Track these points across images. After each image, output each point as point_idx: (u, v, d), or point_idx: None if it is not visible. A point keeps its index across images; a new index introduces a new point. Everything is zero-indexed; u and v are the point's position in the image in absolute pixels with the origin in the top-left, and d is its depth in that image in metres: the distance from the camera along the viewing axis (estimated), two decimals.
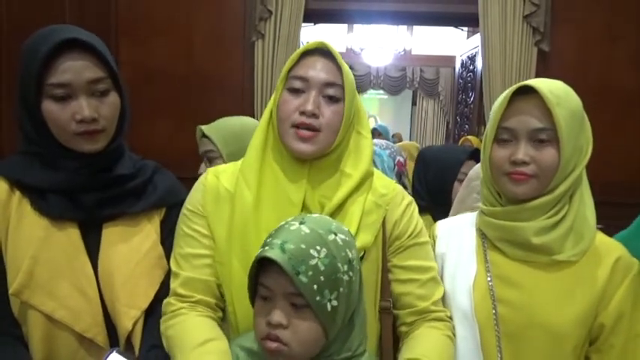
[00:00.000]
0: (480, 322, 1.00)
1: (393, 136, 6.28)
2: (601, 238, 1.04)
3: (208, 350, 0.87)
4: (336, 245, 0.81)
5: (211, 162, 1.52)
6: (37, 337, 0.97)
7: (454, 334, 1.01)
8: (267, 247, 0.80)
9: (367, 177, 1.03)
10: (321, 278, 0.78)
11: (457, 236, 1.12)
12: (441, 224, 1.18)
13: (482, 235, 1.09)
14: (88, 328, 0.99)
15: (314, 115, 0.95)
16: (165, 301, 1.00)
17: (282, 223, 0.85)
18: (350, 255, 0.83)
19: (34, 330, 0.98)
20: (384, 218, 1.03)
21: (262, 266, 0.81)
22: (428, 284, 1.03)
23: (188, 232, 1.01)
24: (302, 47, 1.00)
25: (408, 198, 1.08)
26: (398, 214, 1.04)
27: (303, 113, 0.95)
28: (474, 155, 1.87)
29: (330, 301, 0.79)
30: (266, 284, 0.81)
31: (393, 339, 1.05)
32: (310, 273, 0.77)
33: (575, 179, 0.99)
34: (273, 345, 0.79)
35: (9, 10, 2.26)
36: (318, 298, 0.78)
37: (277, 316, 0.79)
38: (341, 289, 0.81)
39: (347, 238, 0.85)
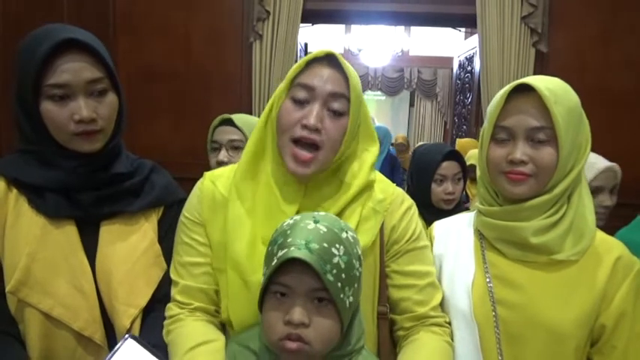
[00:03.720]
0: (479, 323, 0.99)
1: (398, 143, 5.56)
2: (601, 236, 1.02)
3: (200, 352, 0.87)
4: (349, 242, 0.82)
5: (236, 151, 1.58)
6: (35, 335, 0.97)
7: (452, 340, 1.01)
8: (292, 248, 0.77)
9: (367, 187, 1.00)
10: (343, 276, 0.79)
11: (455, 237, 1.12)
12: (439, 225, 1.18)
13: (480, 235, 1.08)
14: (85, 326, 0.98)
15: (316, 130, 0.91)
16: (167, 305, 1.01)
17: (292, 222, 0.82)
18: (359, 251, 0.85)
19: (31, 328, 0.97)
20: (382, 224, 1.01)
21: (281, 265, 0.79)
22: (426, 290, 1.02)
23: (186, 240, 1.01)
24: (309, 55, 0.96)
25: (408, 201, 1.06)
26: (396, 219, 1.02)
27: (305, 127, 0.91)
28: (454, 155, 1.87)
29: (348, 297, 0.80)
30: (286, 283, 0.79)
31: (392, 343, 1.05)
32: (335, 271, 0.78)
33: (574, 178, 0.98)
34: (294, 345, 0.78)
35: (6, 8, 2.25)
36: (341, 295, 0.79)
37: (299, 315, 0.78)
38: (355, 285, 0.82)
39: (355, 235, 0.85)
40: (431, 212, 1.77)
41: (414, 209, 1.06)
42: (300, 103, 0.93)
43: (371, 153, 1.02)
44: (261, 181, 0.99)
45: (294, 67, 0.96)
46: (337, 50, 7.09)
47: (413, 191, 1.92)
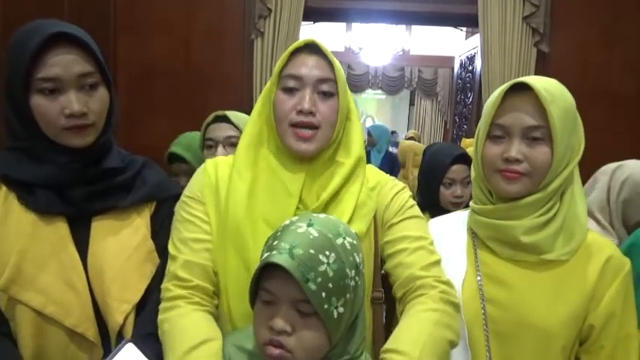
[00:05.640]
0: (468, 321, 1.00)
1: (410, 138, 5.26)
2: (593, 236, 1.03)
3: (199, 355, 0.85)
4: (345, 250, 0.79)
5: (233, 147, 1.56)
6: (27, 332, 0.96)
7: (446, 300, 0.94)
8: (274, 252, 0.76)
9: (359, 163, 1.04)
10: (330, 285, 0.75)
11: (448, 235, 1.12)
12: (433, 223, 1.18)
13: (472, 234, 1.08)
14: (78, 323, 0.98)
15: (311, 113, 0.97)
16: (163, 285, 0.99)
17: (288, 223, 0.82)
18: (357, 259, 0.81)
19: (23, 326, 0.96)
20: (376, 209, 1.04)
21: (266, 269, 0.78)
22: (417, 252, 0.99)
23: (187, 217, 1.02)
24: (291, 46, 1.01)
25: (399, 185, 1.09)
26: (388, 200, 1.05)
27: (300, 112, 0.97)
28: (463, 159, 1.86)
29: (336, 308, 0.77)
30: (270, 289, 0.78)
31: (387, 329, 1.05)
32: (319, 280, 0.74)
33: (566, 177, 0.98)
34: (276, 352, 0.76)
35: (6, 9, 2.24)
36: (325, 306, 0.75)
37: (281, 323, 0.76)
38: (348, 296, 0.78)
39: (354, 242, 0.82)
40: (439, 213, 1.77)
41: (406, 190, 1.09)
42: (291, 91, 0.99)
43: (356, 129, 1.06)
44: (261, 167, 1.02)
45: (280, 61, 1.01)
46: (338, 48, 7.02)
47: (423, 191, 1.92)
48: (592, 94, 3.05)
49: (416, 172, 3.85)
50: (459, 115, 4.34)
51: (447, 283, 0.97)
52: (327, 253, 0.76)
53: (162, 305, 0.97)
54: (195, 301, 0.96)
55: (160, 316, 0.96)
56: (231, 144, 1.58)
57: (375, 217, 1.04)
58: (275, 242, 0.78)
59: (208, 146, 1.63)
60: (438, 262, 1.00)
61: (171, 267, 0.99)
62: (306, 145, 0.98)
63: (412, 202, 1.07)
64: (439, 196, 1.85)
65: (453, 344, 0.91)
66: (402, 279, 0.98)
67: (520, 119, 0.96)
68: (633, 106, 3.17)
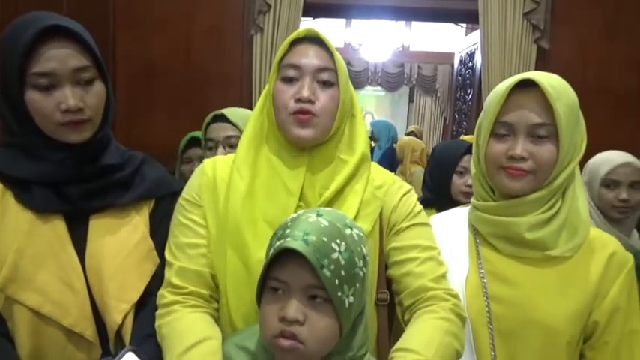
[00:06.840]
0: (472, 319, 0.99)
1: (409, 133, 5.12)
2: (595, 232, 1.03)
3: (196, 354, 0.85)
4: (353, 240, 0.80)
5: (233, 148, 1.54)
6: (24, 332, 0.95)
7: (456, 312, 0.94)
8: (288, 239, 0.76)
9: (363, 161, 1.02)
10: (342, 272, 0.76)
11: (450, 232, 1.11)
12: (435, 220, 1.17)
13: (474, 230, 1.08)
14: (76, 323, 0.96)
15: (310, 101, 0.95)
16: (159, 292, 0.98)
17: (295, 215, 0.82)
18: (364, 251, 0.82)
19: (20, 326, 0.95)
20: (382, 209, 1.02)
21: (277, 259, 0.78)
22: (427, 263, 0.99)
23: (184, 221, 1.00)
24: (291, 36, 1.00)
25: (406, 186, 1.08)
26: (395, 201, 1.03)
27: (299, 100, 0.95)
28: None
29: (348, 297, 0.77)
30: (280, 278, 0.77)
31: (391, 332, 1.04)
32: (333, 267, 0.75)
33: (569, 174, 0.98)
34: (287, 343, 0.75)
35: (5, 9, 2.22)
36: (339, 293, 0.76)
37: (293, 312, 0.75)
38: (357, 285, 0.79)
39: (361, 234, 0.83)
40: (447, 209, 1.77)
41: (413, 192, 1.08)
42: (290, 80, 0.98)
43: (361, 128, 1.05)
44: (261, 164, 1.00)
45: (280, 50, 1.00)
46: (337, 44, 7.04)
47: (431, 187, 1.94)
48: (593, 91, 3.04)
49: (414, 168, 3.86)
50: (459, 112, 4.33)
51: (457, 297, 0.97)
52: (338, 241, 0.77)
53: (158, 312, 0.96)
54: (192, 304, 0.95)
55: (157, 322, 0.95)
56: (230, 145, 1.56)
57: (381, 216, 1.02)
58: (287, 231, 0.78)
59: (209, 147, 1.61)
60: (445, 274, 1.00)
61: (167, 274, 0.99)
62: (305, 131, 0.95)
63: (420, 207, 1.06)
64: (450, 188, 1.86)
65: (458, 355, 0.91)
66: (412, 288, 0.97)
67: (525, 117, 0.95)
68: (635, 102, 3.16)
